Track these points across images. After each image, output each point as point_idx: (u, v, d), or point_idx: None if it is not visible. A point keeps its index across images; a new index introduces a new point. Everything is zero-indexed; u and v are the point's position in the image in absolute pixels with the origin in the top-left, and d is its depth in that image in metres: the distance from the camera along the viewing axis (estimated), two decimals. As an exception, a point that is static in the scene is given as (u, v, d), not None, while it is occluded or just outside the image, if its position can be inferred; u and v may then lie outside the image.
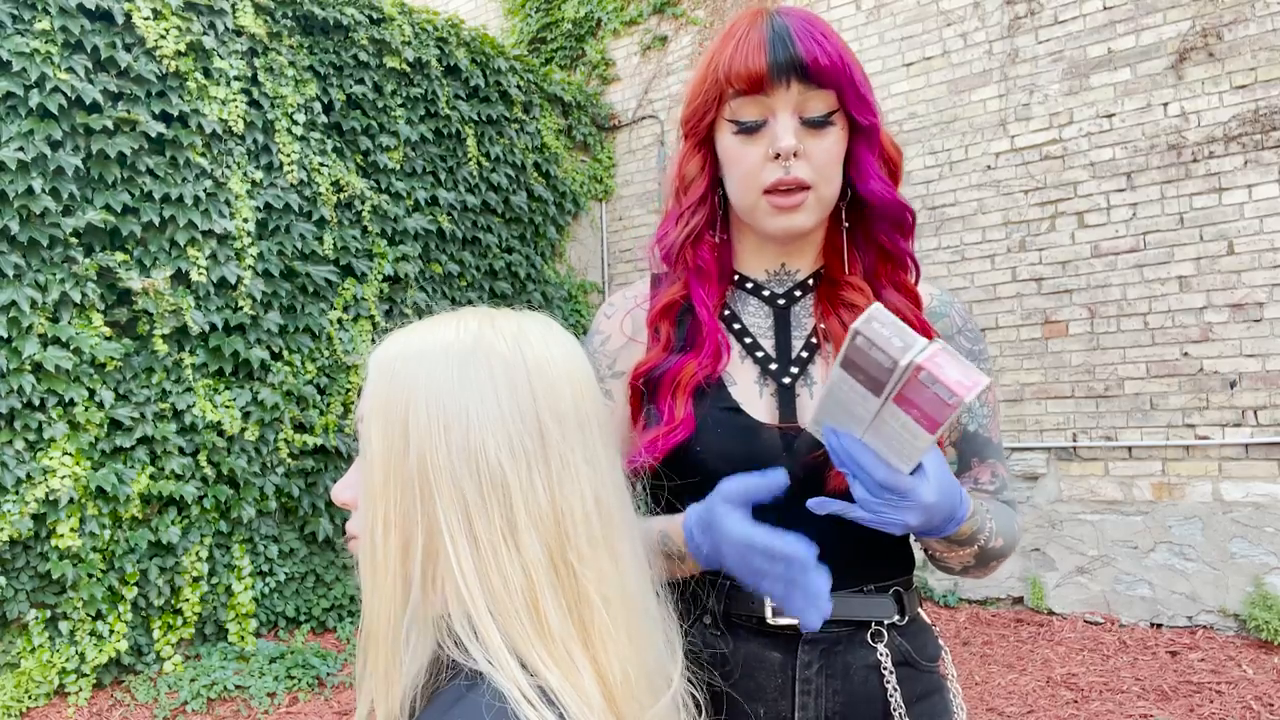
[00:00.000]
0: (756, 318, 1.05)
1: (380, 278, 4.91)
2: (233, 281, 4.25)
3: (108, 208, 3.88)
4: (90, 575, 3.73)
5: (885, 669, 0.97)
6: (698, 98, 1.00)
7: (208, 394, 4.17)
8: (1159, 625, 4.37)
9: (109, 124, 3.81)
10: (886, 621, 0.98)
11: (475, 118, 5.60)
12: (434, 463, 0.61)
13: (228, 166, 4.30)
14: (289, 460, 4.45)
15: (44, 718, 3.57)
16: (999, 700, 3.61)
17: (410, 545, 0.62)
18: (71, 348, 3.70)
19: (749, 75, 0.94)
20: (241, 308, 4.28)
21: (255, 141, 4.43)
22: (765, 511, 0.98)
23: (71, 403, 3.72)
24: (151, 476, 3.95)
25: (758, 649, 0.94)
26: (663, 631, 0.70)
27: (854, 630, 0.98)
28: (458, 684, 0.60)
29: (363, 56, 4.94)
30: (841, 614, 0.96)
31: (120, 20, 3.90)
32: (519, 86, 5.92)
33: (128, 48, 3.97)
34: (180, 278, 4.11)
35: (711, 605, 0.99)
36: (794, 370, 1.01)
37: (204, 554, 4.10)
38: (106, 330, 3.82)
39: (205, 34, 4.20)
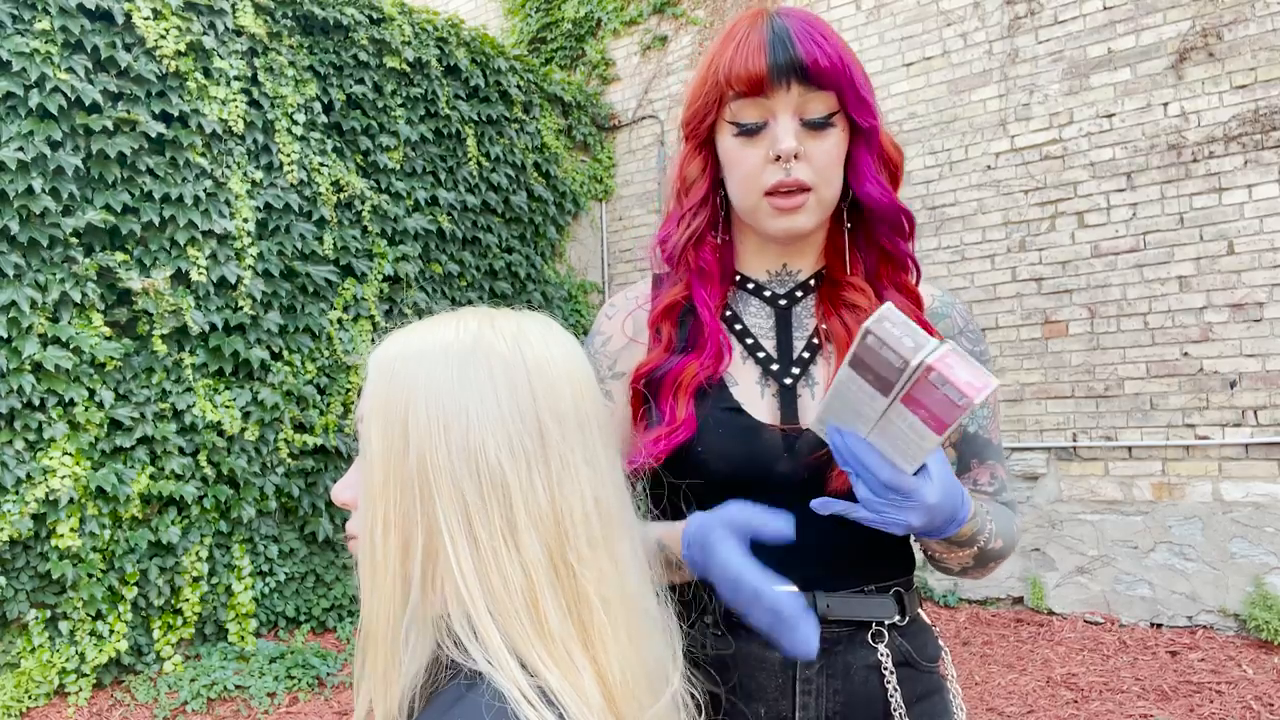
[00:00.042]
0: (758, 318, 1.05)
1: (380, 278, 4.91)
2: (233, 281, 4.25)
3: (108, 208, 3.88)
4: (90, 575, 3.73)
5: (886, 669, 0.97)
6: (698, 99, 1.01)
7: (208, 394, 4.17)
8: (1159, 625, 4.37)
9: (109, 124, 3.81)
10: (887, 622, 0.98)
11: (475, 118, 5.60)
12: (434, 463, 0.61)
13: (228, 166, 4.30)
14: (289, 460, 4.45)
15: (44, 718, 3.57)
16: (999, 700, 3.61)
17: (410, 545, 0.62)
18: (71, 348, 3.70)
19: (749, 77, 0.94)
20: (241, 308, 4.28)
21: (255, 141, 4.43)
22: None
23: (71, 403, 3.72)
24: (151, 476, 3.95)
25: (758, 649, 0.94)
26: (663, 631, 0.70)
27: (855, 630, 0.98)
28: (457, 684, 0.60)
29: (363, 56, 4.94)
30: (842, 614, 0.97)
31: (120, 20, 3.90)
32: (519, 86, 5.92)
33: (128, 48, 3.97)
34: (180, 278, 4.11)
35: (712, 605, 0.99)
36: (795, 371, 1.01)
37: (204, 554, 4.10)
38: (106, 330, 3.82)
39: (205, 34, 4.20)
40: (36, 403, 3.63)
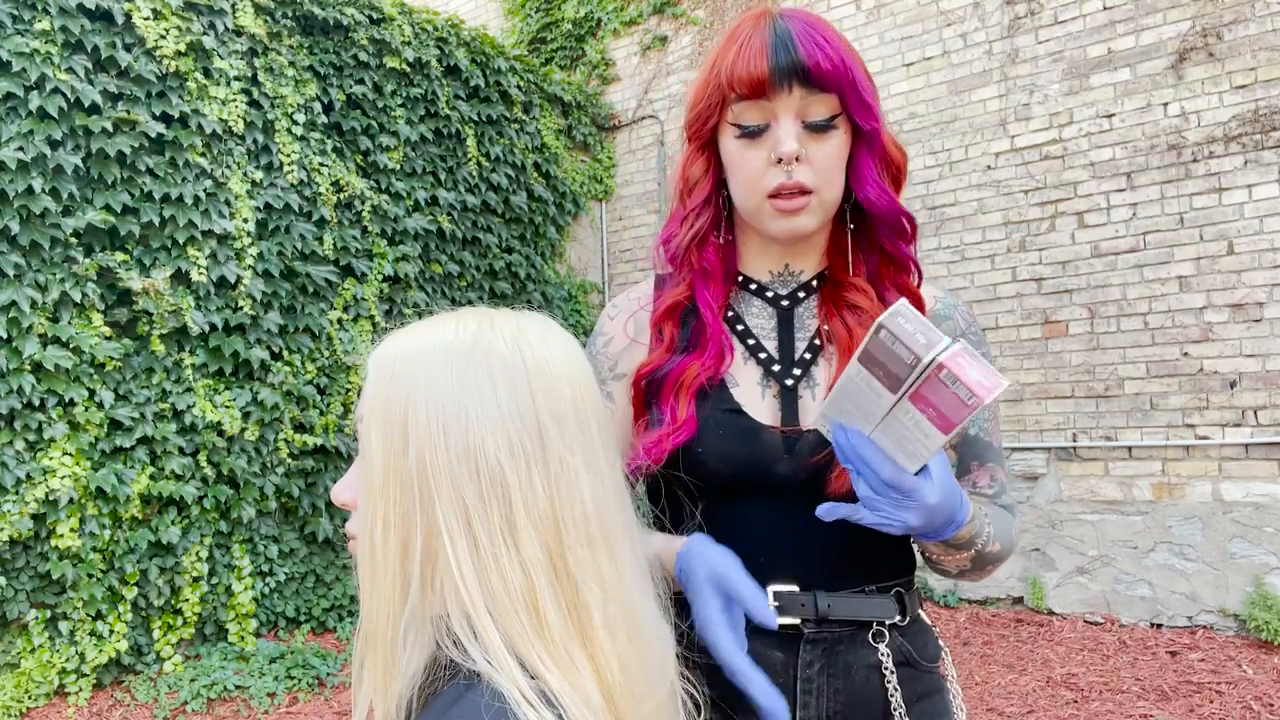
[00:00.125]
0: (760, 319, 1.05)
1: (380, 278, 4.91)
2: (233, 281, 4.25)
3: (108, 208, 3.88)
4: (90, 575, 3.73)
5: (886, 669, 0.97)
6: (701, 101, 1.01)
7: (208, 394, 4.17)
8: (1159, 625, 4.37)
9: (109, 124, 3.81)
10: (888, 622, 0.98)
11: (475, 118, 5.60)
12: (433, 463, 0.61)
13: (228, 166, 4.30)
14: (289, 460, 4.45)
15: (44, 718, 3.57)
16: (999, 700, 3.60)
17: (409, 545, 0.62)
18: (71, 348, 3.70)
19: (751, 80, 0.94)
20: (241, 308, 4.28)
21: (255, 141, 4.43)
22: (767, 511, 0.98)
23: (71, 403, 3.72)
24: (151, 477, 3.95)
25: (759, 648, 0.94)
26: (662, 631, 0.70)
27: (855, 630, 0.98)
28: (456, 684, 0.60)
29: (363, 56, 4.94)
30: (843, 614, 0.97)
31: (120, 20, 3.90)
32: (519, 86, 5.92)
33: (128, 48, 3.97)
34: (180, 278, 4.11)
35: None
36: (796, 372, 1.01)
37: (204, 554, 4.11)
38: (106, 330, 3.82)
39: (205, 34, 4.20)
40: (36, 403, 3.63)
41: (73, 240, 3.75)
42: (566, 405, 0.65)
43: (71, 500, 3.66)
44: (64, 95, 3.71)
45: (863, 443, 0.81)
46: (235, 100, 4.30)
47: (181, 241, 4.07)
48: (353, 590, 4.63)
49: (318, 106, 4.73)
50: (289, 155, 4.53)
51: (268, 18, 4.53)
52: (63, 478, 3.63)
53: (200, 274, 4.10)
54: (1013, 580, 4.84)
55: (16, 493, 3.56)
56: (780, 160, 0.95)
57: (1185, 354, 4.33)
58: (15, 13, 3.65)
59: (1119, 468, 4.51)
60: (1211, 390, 4.25)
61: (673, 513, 1.03)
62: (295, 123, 4.59)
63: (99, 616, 3.81)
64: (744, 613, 0.88)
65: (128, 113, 3.89)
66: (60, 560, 3.65)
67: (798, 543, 0.97)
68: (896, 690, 0.97)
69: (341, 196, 4.78)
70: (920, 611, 1.05)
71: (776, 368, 1.02)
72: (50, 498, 3.61)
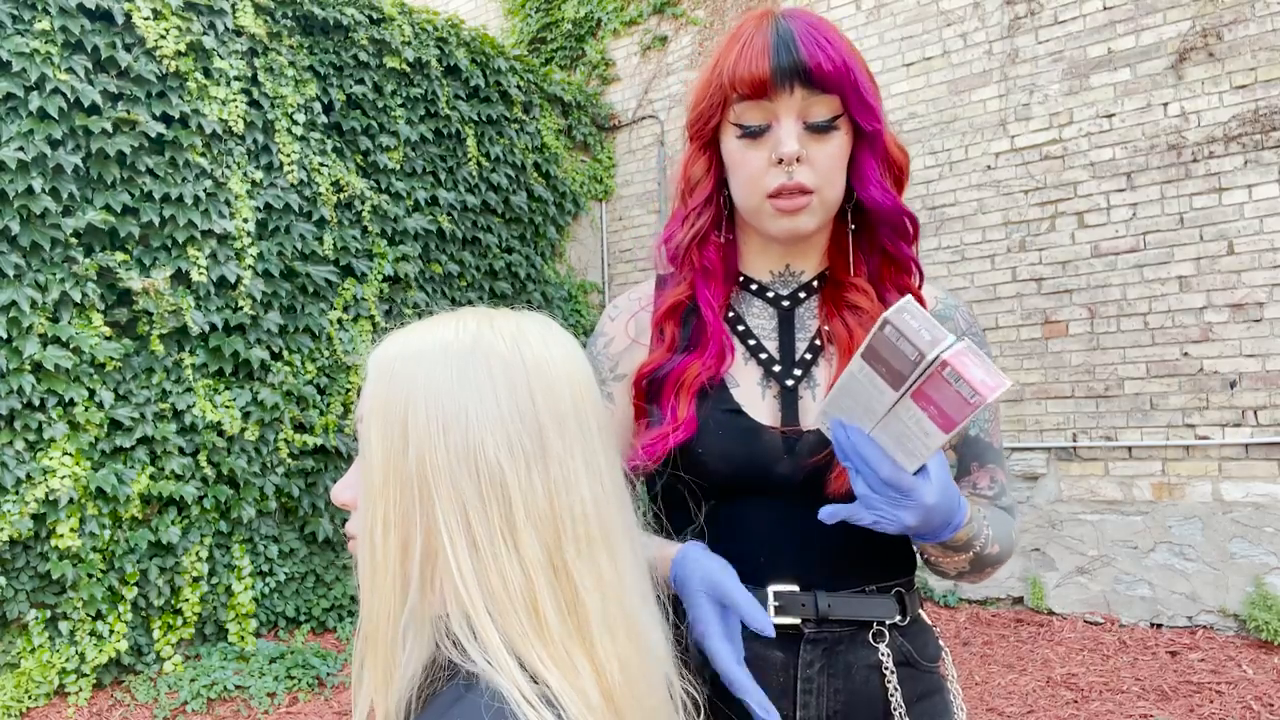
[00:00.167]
0: (760, 319, 1.05)
1: (380, 278, 4.91)
2: (233, 281, 4.25)
3: (108, 208, 3.88)
4: (90, 575, 3.73)
5: (886, 669, 0.97)
6: (703, 101, 1.01)
7: (208, 394, 4.17)
8: (1159, 625, 4.37)
9: (109, 124, 3.81)
10: (888, 622, 0.98)
11: (475, 118, 5.60)
12: (433, 463, 0.61)
13: (228, 166, 4.30)
14: (289, 460, 4.45)
15: (44, 718, 3.57)
16: (999, 700, 3.60)
17: (409, 545, 0.62)
18: (71, 348, 3.70)
19: (752, 80, 0.94)
20: (241, 308, 4.28)
21: (255, 141, 4.43)
22: (767, 511, 0.98)
23: (71, 403, 3.72)
24: (151, 477, 3.95)
25: (760, 648, 0.94)
26: (661, 631, 0.70)
27: (856, 630, 0.98)
28: (455, 685, 0.60)
29: (363, 56, 4.94)
30: (843, 614, 0.97)
31: (120, 20, 3.90)
32: (519, 86, 5.92)
33: (128, 48, 3.97)
34: (180, 278, 4.11)
35: None
36: (797, 372, 1.01)
37: (204, 554, 4.10)
38: (106, 330, 3.82)
39: (205, 34, 4.20)
40: (36, 403, 3.63)
41: (73, 240, 3.75)
42: (566, 405, 0.65)
43: (71, 500, 3.66)
44: (64, 95, 3.71)
45: (862, 440, 0.81)
46: (235, 100, 4.30)
47: (181, 241, 4.07)
48: (353, 590, 4.63)
49: (318, 106, 4.73)
50: (289, 155, 4.53)
51: (268, 18, 4.53)
52: (63, 478, 3.63)
53: (200, 274, 4.10)
54: (1013, 580, 4.84)
55: (16, 493, 3.56)
56: (781, 161, 0.95)
57: (1185, 354, 4.33)
58: (15, 13, 3.65)
59: (1119, 468, 4.51)
60: (1211, 390, 4.25)
61: (672, 513, 1.04)
62: (295, 123, 4.59)
63: (99, 616, 3.81)
64: (740, 621, 0.88)
65: (128, 113, 3.89)
66: (60, 560, 3.65)
67: (798, 543, 0.97)
68: (897, 690, 0.97)
69: (341, 196, 4.78)
70: (920, 611, 1.05)
71: (777, 368, 1.02)
72: (50, 498, 3.61)
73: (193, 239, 4.11)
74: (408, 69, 5.15)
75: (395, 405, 0.63)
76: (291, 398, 4.46)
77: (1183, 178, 4.36)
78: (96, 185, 3.88)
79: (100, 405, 3.80)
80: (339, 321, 4.74)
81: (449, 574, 0.60)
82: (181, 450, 4.09)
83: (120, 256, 3.87)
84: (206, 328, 4.15)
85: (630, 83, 6.61)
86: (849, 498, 0.87)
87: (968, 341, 0.73)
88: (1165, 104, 4.41)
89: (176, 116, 4.10)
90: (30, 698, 3.60)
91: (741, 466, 0.97)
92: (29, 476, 3.58)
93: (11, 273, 3.56)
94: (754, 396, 1.00)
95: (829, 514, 0.85)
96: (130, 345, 3.91)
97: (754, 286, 1.07)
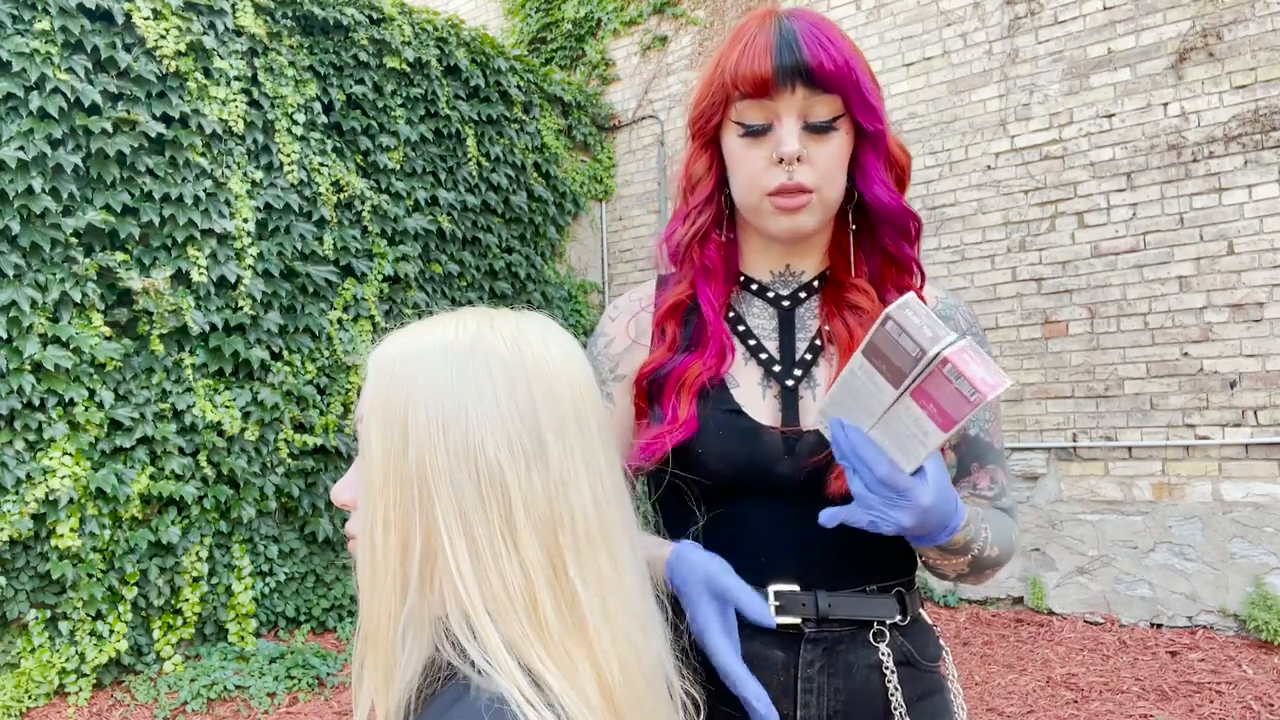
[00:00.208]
0: (761, 319, 1.05)
1: (380, 278, 4.91)
2: (233, 281, 4.25)
3: (108, 208, 3.88)
4: (90, 575, 3.73)
5: (887, 668, 0.97)
6: (705, 99, 1.01)
7: (208, 394, 4.17)
8: (1159, 625, 4.37)
9: (109, 124, 3.81)
10: (889, 621, 0.98)
11: (475, 118, 5.60)
12: (432, 463, 0.61)
13: (228, 166, 4.30)
14: (289, 460, 4.45)
15: (44, 718, 3.57)
16: (999, 700, 3.60)
17: (409, 545, 0.61)
18: (71, 348, 3.70)
19: (754, 79, 0.94)
20: (241, 308, 4.28)
21: (255, 141, 4.43)
22: (767, 511, 0.98)
23: (71, 403, 3.72)
24: (151, 477, 3.95)
25: (760, 647, 0.95)
26: (661, 631, 0.70)
27: (856, 630, 0.98)
28: (455, 685, 0.60)
29: (363, 56, 4.94)
30: (844, 614, 0.97)
31: (120, 20, 3.90)
32: (519, 86, 5.92)
33: (128, 48, 3.97)
34: (180, 278, 4.11)
35: None
36: (797, 373, 1.01)
37: (204, 554, 4.10)
38: (106, 330, 3.82)
39: (205, 34, 4.20)
40: (36, 403, 3.63)
41: (73, 240, 3.75)
42: (566, 405, 0.65)
43: (71, 500, 3.66)
44: (64, 95, 3.71)
45: (860, 440, 0.81)
46: (235, 100, 4.30)
47: (181, 241, 4.07)
48: (353, 590, 4.62)
49: (318, 106, 4.73)
50: (289, 155, 4.53)
51: (268, 18, 4.53)
52: (63, 478, 3.63)
53: (200, 274, 4.10)
54: (1013, 580, 4.84)
55: (16, 493, 3.56)
56: (782, 160, 0.95)
57: (1185, 354, 4.33)
58: (15, 13, 3.65)
59: (1119, 468, 4.51)
60: (1211, 390, 4.25)
61: (672, 513, 1.04)
62: (295, 123, 4.59)
63: (99, 616, 3.81)
64: (740, 614, 0.88)
65: (128, 113, 3.89)
66: (60, 560, 3.65)
67: (798, 543, 0.97)
68: (897, 690, 0.97)
69: (341, 196, 4.78)
70: (921, 611, 1.05)
71: (777, 368, 1.02)
72: (50, 498, 3.61)
73: (193, 239, 4.11)
74: (408, 69, 5.15)
75: (395, 405, 0.63)
76: (291, 398, 4.46)
77: (1183, 178, 4.36)
78: (96, 185, 3.88)
79: (100, 405, 3.80)
80: (339, 321, 4.74)
81: (448, 574, 0.60)
82: (181, 450, 4.09)
83: (120, 256, 3.87)
84: (206, 328, 4.15)
85: (630, 83, 6.61)
86: (849, 498, 0.87)
87: (969, 340, 0.73)
88: (1165, 104, 4.41)
89: (176, 116, 4.10)
90: (30, 698, 3.60)
91: (742, 467, 0.97)
92: (29, 476, 3.58)
93: (11, 273, 3.56)
94: (754, 396, 1.01)
95: (828, 517, 0.85)
96: (130, 345, 3.91)
97: (754, 286, 1.07)
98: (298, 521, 4.60)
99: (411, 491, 0.61)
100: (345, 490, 0.71)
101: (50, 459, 3.63)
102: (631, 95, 6.60)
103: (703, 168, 1.04)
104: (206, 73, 4.24)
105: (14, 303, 3.56)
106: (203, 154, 4.18)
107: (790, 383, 1.01)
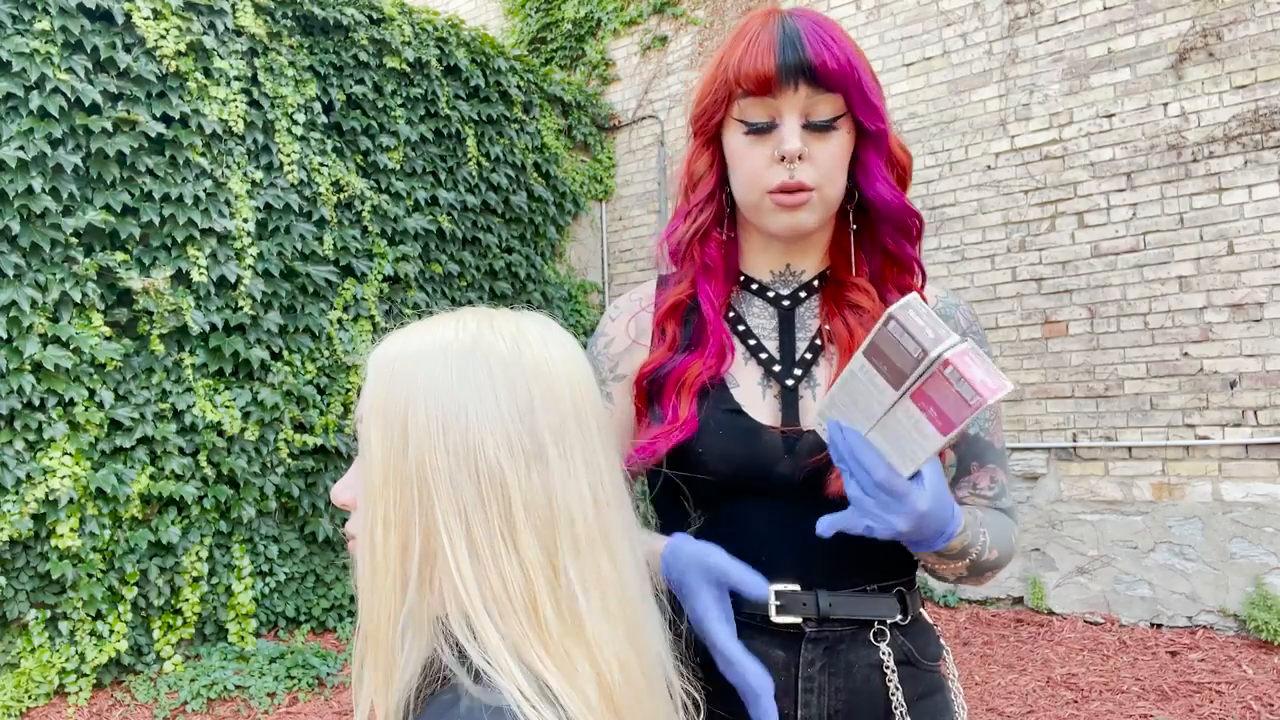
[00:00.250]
0: (761, 319, 1.05)
1: (380, 278, 4.91)
2: (233, 281, 4.25)
3: (108, 208, 3.88)
4: (90, 575, 3.73)
5: (887, 668, 0.97)
6: (707, 96, 1.01)
7: (208, 394, 4.17)
8: (1159, 625, 4.37)
9: (109, 124, 3.81)
10: (889, 621, 0.98)
11: (475, 118, 5.60)
12: (432, 463, 0.61)
13: (228, 166, 4.30)
14: (289, 460, 4.45)
15: (44, 718, 3.57)
16: (999, 700, 3.60)
17: (409, 545, 0.61)
18: (71, 348, 3.70)
19: (757, 77, 0.95)
20: (241, 308, 4.28)
21: (255, 141, 4.43)
22: (768, 511, 0.98)
23: (71, 403, 3.72)
24: (151, 477, 3.95)
25: (761, 646, 0.95)
26: (661, 631, 0.70)
27: (857, 629, 0.98)
28: (455, 685, 0.60)
29: (363, 56, 4.94)
30: (845, 613, 0.97)
31: (120, 20, 3.90)
32: (519, 86, 5.93)
33: (128, 48, 3.97)
34: (180, 277, 4.11)
35: None
36: (797, 372, 1.01)
37: (204, 554, 4.11)
38: (106, 330, 3.82)
39: (205, 34, 4.20)
40: (36, 403, 3.63)
41: (73, 240, 3.75)
42: (566, 405, 0.65)
43: (71, 500, 3.66)
44: (64, 95, 3.71)
45: (858, 442, 0.80)
46: (235, 100, 4.30)
47: (181, 241, 4.07)
48: (352, 590, 4.62)
49: (318, 106, 4.73)
50: (289, 155, 4.53)
51: (268, 18, 4.53)
52: (63, 478, 3.63)
53: (200, 274, 4.10)
54: (1013, 580, 4.84)
55: (16, 493, 3.56)
56: (783, 158, 0.95)
57: (1185, 354, 4.33)
58: (15, 13, 3.65)
59: (1119, 468, 4.51)
60: (1211, 390, 4.25)
61: (672, 513, 1.04)
62: (295, 123, 4.59)
63: (99, 616, 3.81)
64: (737, 592, 0.88)
65: (128, 113, 3.89)
66: (60, 560, 3.65)
67: (799, 542, 0.97)
68: (898, 689, 0.97)
69: (341, 196, 4.78)
70: (922, 611, 1.05)
71: (777, 368, 1.02)
72: (50, 498, 3.61)
73: (193, 239, 4.11)
74: (408, 69, 5.15)
75: (395, 405, 0.63)
76: (291, 398, 4.46)
77: (1183, 178, 4.36)
78: (96, 185, 3.88)
79: (100, 405, 3.80)
80: (339, 321, 4.74)
81: (448, 574, 0.60)
82: (181, 450, 4.09)
83: (120, 256, 3.87)
84: (206, 328, 4.15)
85: (630, 83, 6.61)
86: (848, 499, 0.87)
87: (971, 342, 0.73)
88: (1165, 104, 4.41)
89: (176, 116, 4.10)
90: (30, 698, 3.60)
91: (742, 466, 0.97)
92: (29, 476, 3.58)
93: (11, 273, 3.56)
94: (754, 396, 1.01)
95: (825, 526, 0.85)
96: (130, 345, 3.91)
97: (754, 286, 1.07)
98: (298, 521, 4.60)
99: (411, 491, 0.61)
100: (345, 490, 0.71)
101: (50, 459, 3.63)
102: (631, 95, 6.60)
103: (704, 165, 1.05)
104: (206, 73, 4.24)
105: (14, 303, 3.56)
106: (203, 154, 4.18)
107: (790, 382, 1.01)
